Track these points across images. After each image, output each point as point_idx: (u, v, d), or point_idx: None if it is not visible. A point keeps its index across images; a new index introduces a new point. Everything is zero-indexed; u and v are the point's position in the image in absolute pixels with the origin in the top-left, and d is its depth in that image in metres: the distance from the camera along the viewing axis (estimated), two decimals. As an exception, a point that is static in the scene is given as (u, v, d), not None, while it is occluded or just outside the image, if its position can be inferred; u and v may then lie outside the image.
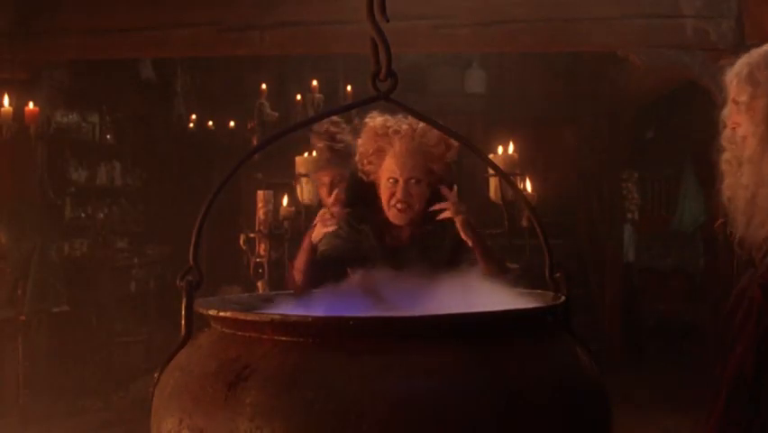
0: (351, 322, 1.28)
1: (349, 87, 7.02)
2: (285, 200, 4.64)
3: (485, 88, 8.60)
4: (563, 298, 1.51)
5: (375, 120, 2.60)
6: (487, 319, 1.35)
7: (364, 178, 2.64)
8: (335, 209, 2.54)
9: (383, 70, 1.44)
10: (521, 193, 1.75)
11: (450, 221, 2.56)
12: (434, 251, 2.53)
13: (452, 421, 1.20)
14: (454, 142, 2.58)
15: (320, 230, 2.53)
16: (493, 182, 3.96)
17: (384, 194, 2.59)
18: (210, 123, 7.98)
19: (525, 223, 4.54)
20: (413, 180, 2.55)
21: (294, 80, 7.63)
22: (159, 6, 5.25)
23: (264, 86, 6.47)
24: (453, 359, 1.26)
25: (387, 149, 2.57)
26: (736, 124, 2.04)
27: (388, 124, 2.57)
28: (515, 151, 3.99)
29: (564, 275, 1.53)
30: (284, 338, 1.29)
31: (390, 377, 1.21)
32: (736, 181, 2.03)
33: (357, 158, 2.64)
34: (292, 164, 4.37)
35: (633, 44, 4.96)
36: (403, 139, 2.55)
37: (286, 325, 1.28)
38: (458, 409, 1.21)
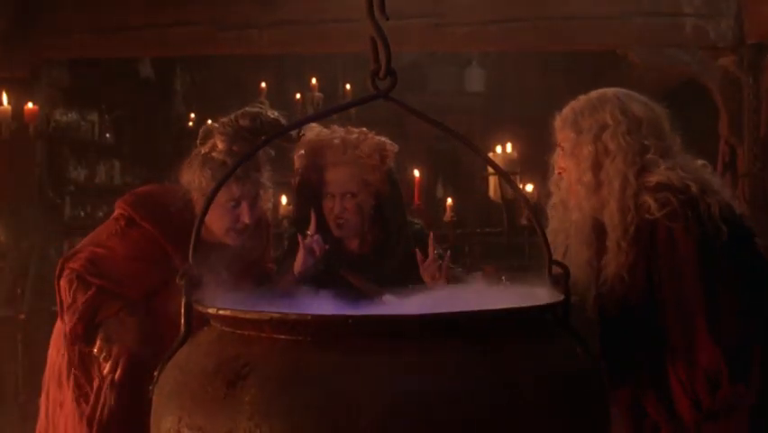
0: (349, 321, 1.27)
1: (348, 86, 7.02)
2: (284, 199, 4.64)
3: (485, 87, 8.60)
4: (562, 296, 1.51)
5: (311, 133, 2.52)
6: (485, 318, 1.35)
7: (309, 192, 2.56)
8: (317, 238, 2.42)
9: (382, 69, 1.44)
10: (520, 192, 1.75)
11: (402, 233, 2.53)
12: (384, 263, 2.47)
13: (451, 420, 1.20)
14: (390, 151, 2.52)
15: (304, 260, 2.42)
16: (493, 181, 3.97)
17: (326, 208, 2.51)
18: (209, 121, 7.96)
19: (524, 221, 4.56)
20: (348, 195, 2.48)
21: (293, 79, 7.62)
22: (158, 5, 5.24)
23: (263, 84, 6.46)
24: (452, 357, 1.25)
25: (322, 163, 2.50)
26: (562, 169, 2.07)
27: (321, 137, 2.50)
28: (514, 150, 3.99)
29: (563, 273, 1.54)
30: (283, 337, 1.29)
31: (389, 375, 1.21)
32: (560, 227, 2.05)
33: (301, 174, 2.56)
34: (291, 163, 4.37)
35: (632, 43, 4.96)
36: (335, 152, 2.47)
37: (285, 323, 1.28)
38: (456, 408, 1.21)
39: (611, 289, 1.93)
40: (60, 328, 2.47)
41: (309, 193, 2.56)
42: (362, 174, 2.49)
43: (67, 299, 2.28)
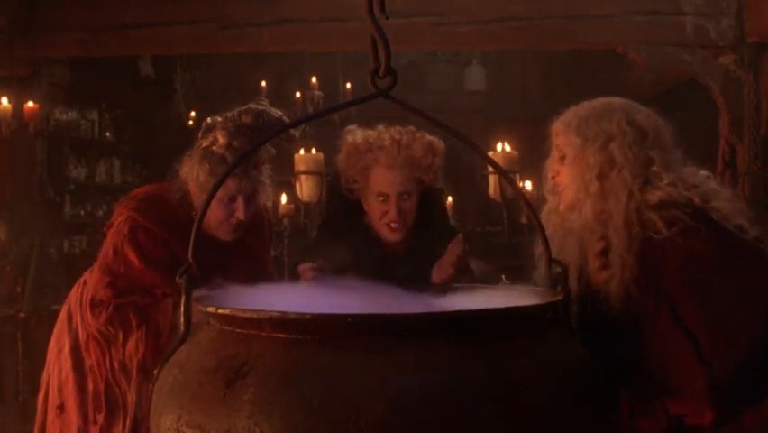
0: (349, 319, 1.27)
1: (348, 85, 7.03)
2: (284, 198, 4.65)
3: (485, 86, 8.61)
4: (562, 294, 1.51)
5: (356, 136, 2.47)
6: (485, 316, 1.35)
7: (348, 195, 2.51)
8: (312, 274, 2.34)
9: (382, 67, 1.44)
10: (520, 191, 1.74)
11: (437, 232, 2.49)
12: (420, 262, 2.42)
13: (451, 419, 1.20)
14: (439, 149, 2.47)
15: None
16: (492, 180, 3.96)
17: (375, 212, 2.45)
18: (209, 119, 7.98)
19: (524, 220, 4.56)
20: (405, 195, 2.43)
21: (293, 77, 7.64)
22: (158, 3, 5.25)
23: (264, 83, 6.47)
24: (451, 356, 1.25)
25: (372, 165, 2.44)
26: (556, 173, 2.01)
27: (370, 139, 2.44)
28: (513, 148, 3.99)
29: (563, 272, 1.54)
30: (282, 335, 1.29)
31: (388, 374, 1.21)
32: (554, 233, 1.96)
33: (342, 177, 2.50)
34: (291, 162, 4.38)
35: (633, 41, 4.96)
36: (388, 154, 2.41)
37: (284, 322, 1.28)
38: (456, 406, 1.21)
39: (613, 303, 1.85)
40: (60, 329, 2.47)
41: (348, 195, 2.51)
42: (416, 174, 2.45)
43: (114, 332, 2.27)
